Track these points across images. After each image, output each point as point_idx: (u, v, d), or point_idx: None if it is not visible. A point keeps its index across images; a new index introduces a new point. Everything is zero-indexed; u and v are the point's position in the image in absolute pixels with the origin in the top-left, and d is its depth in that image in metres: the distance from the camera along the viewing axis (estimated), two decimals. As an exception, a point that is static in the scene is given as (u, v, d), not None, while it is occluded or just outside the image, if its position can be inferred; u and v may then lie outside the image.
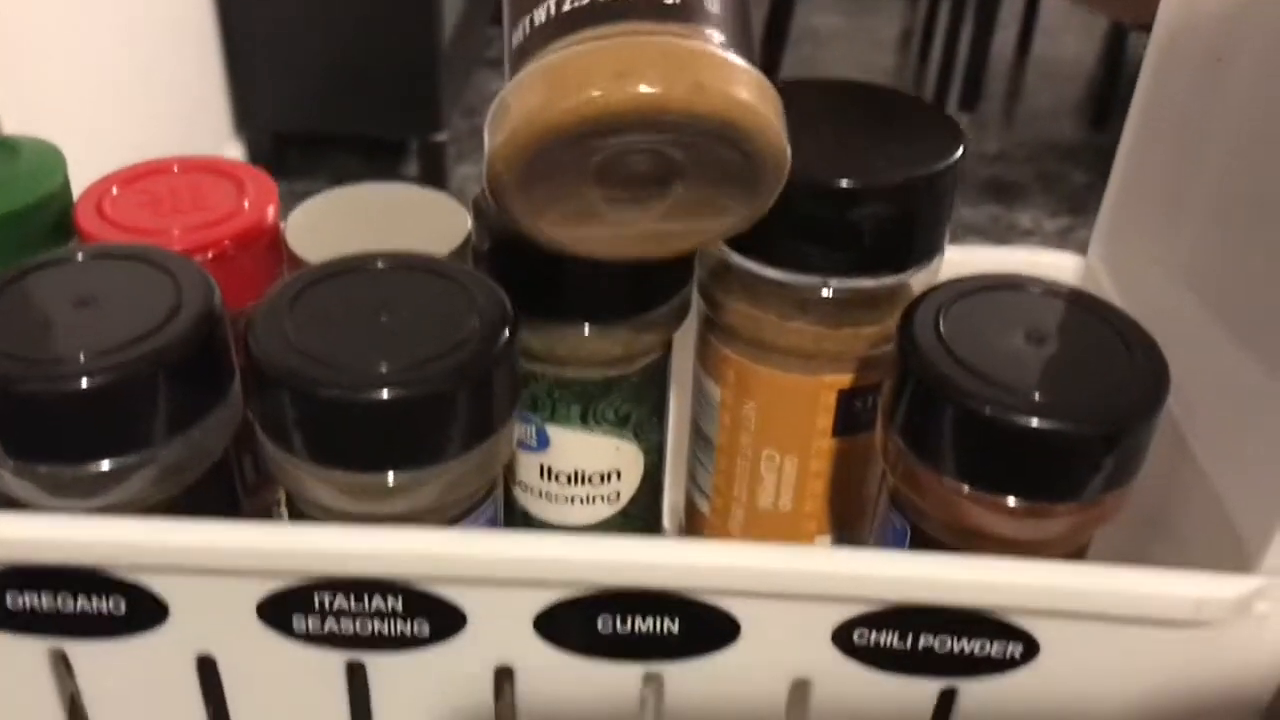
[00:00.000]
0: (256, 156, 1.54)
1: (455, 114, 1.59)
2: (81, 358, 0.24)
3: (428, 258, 0.28)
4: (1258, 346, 0.26)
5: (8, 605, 0.25)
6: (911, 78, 2.00)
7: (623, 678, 0.26)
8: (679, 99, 0.23)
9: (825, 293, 0.29)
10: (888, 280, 0.29)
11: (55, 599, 0.25)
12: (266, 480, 0.32)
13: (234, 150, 1.53)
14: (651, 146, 0.24)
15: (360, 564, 0.24)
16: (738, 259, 0.29)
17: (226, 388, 0.26)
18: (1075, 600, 0.24)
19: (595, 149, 0.24)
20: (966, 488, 0.25)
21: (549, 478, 0.32)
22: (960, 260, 0.31)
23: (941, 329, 0.26)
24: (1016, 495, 0.25)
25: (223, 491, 0.28)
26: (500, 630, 0.25)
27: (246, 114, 1.55)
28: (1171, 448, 0.28)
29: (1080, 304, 0.27)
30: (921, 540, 0.27)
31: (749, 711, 0.26)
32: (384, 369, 0.24)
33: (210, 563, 0.24)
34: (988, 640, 0.25)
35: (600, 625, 0.25)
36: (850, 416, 0.30)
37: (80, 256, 0.27)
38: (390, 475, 0.25)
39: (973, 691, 0.25)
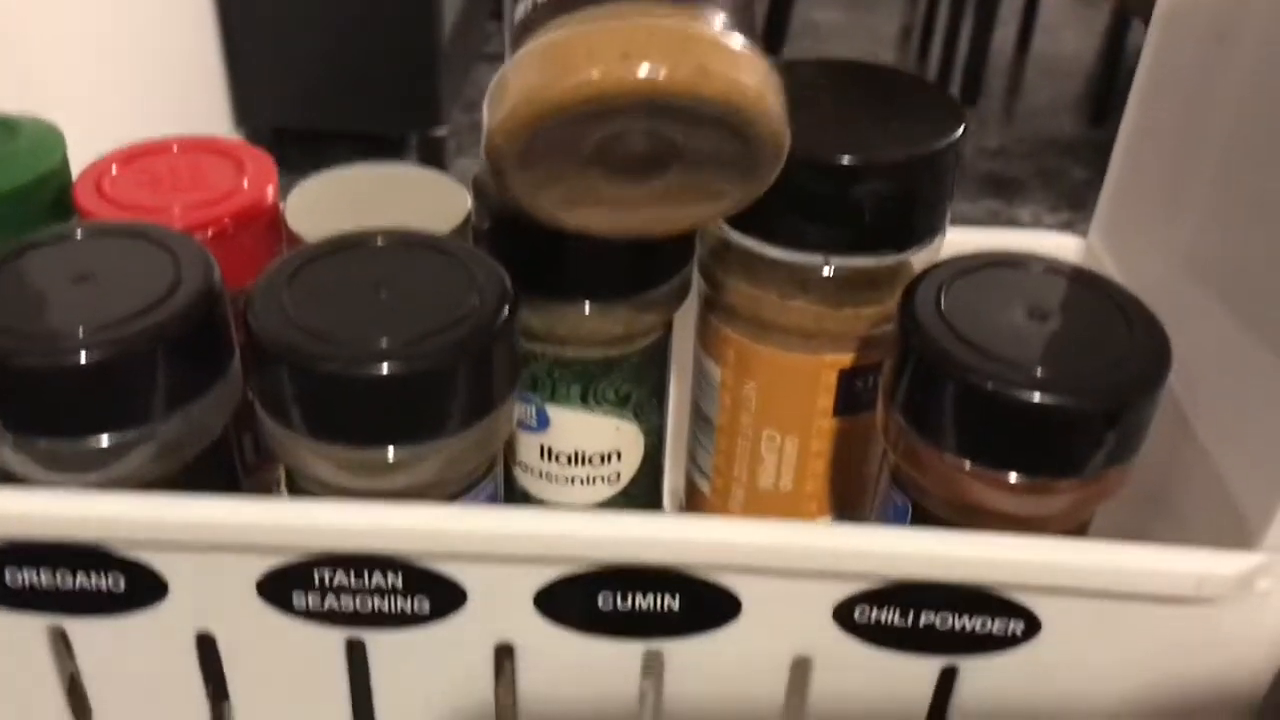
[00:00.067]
0: (256, 152, 1.54)
1: (455, 109, 1.59)
2: (81, 332, 0.24)
3: (427, 235, 0.28)
4: (1259, 325, 0.26)
5: (7, 582, 0.25)
6: (911, 73, 2.00)
7: (623, 655, 0.26)
8: (682, 82, 0.23)
9: (826, 271, 0.28)
10: (889, 259, 0.29)
11: (54, 576, 0.25)
12: (267, 460, 0.32)
13: (233, 145, 1.52)
14: (651, 128, 0.24)
15: (360, 539, 0.24)
16: (738, 238, 0.29)
17: (226, 365, 0.26)
18: (1076, 577, 0.24)
19: (595, 129, 0.23)
20: (968, 464, 0.25)
21: (549, 458, 0.31)
22: (961, 242, 0.31)
23: (943, 305, 0.26)
24: (1018, 471, 0.25)
25: (222, 470, 0.28)
26: (500, 607, 0.25)
27: (246, 109, 1.54)
28: (1173, 425, 0.28)
29: (1081, 280, 0.27)
30: (922, 518, 0.27)
31: (750, 689, 0.26)
32: (383, 344, 0.24)
33: (210, 539, 0.24)
34: (989, 618, 0.25)
35: (601, 602, 0.25)
36: (851, 396, 0.30)
37: (79, 233, 0.27)
38: (390, 450, 0.25)
39: (974, 669, 0.25)
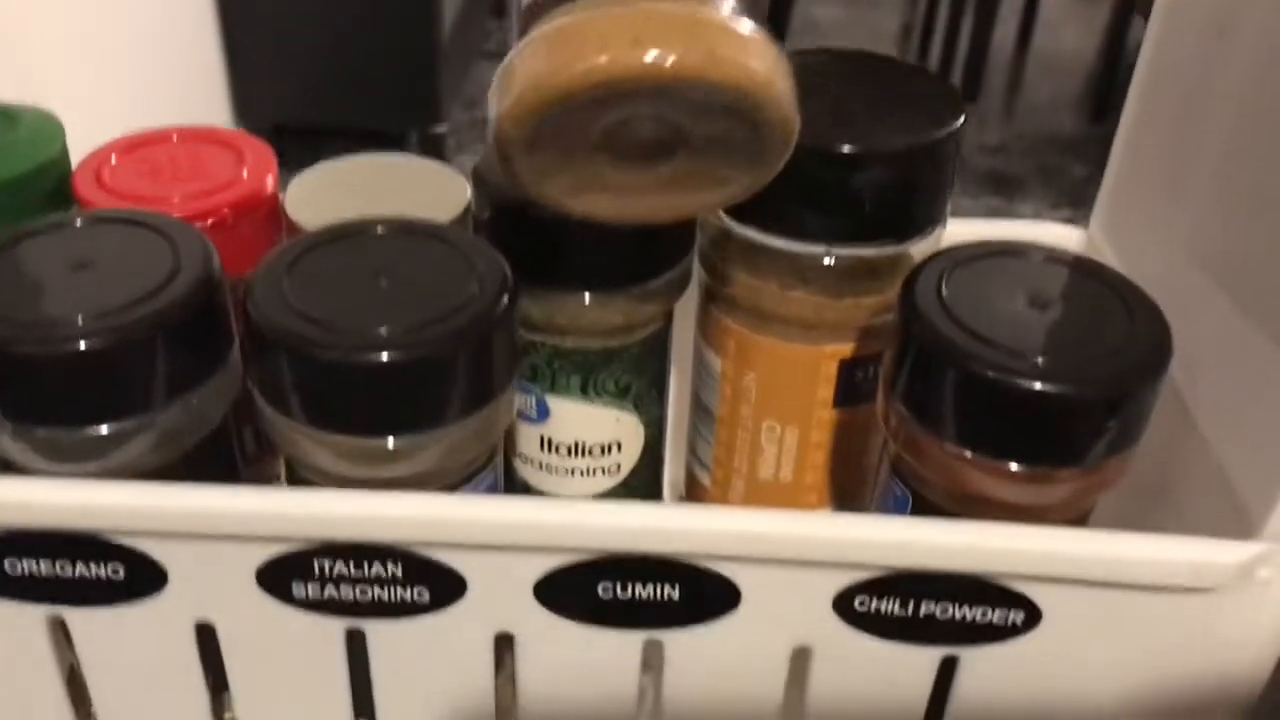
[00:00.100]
0: (256, 148, 1.54)
1: (455, 106, 1.59)
2: (80, 320, 0.24)
3: (427, 223, 0.28)
4: (1260, 315, 0.26)
5: (6, 571, 0.25)
6: (912, 71, 1.99)
7: (623, 645, 0.26)
8: (692, 68, 0.22)
9: (827, 261, 0.28)
10: (889, 249, 0.29)
11: (54, 565, 0.25)
12: (267, 452, 0.32)
13: (234, 142, 1.52)
14: (660, 114, 0.24)
15: (360, 528, 0.24)
16: (738, 228, 0.29)
17: (225, 354, 0.26)
18: (1077, 566, 0.24)
19: (603, 115, 0.23)
20: (968, 453, 0.25)
21: (549, 449, 0.31)
22: (961, 233, 0.31)
23: (943, 294, 0.25)
24: (1018, 460, 0.25)
25: (221, 460, 0.28)
26: (500, 597, 0.25)
27: (247, 106, 1.54)
28: (1173, 416, 0.28)
29: (1082, 269, 0.27)
30: (923, 508, 0.27)
31: (750, 679, 0.26)
32: (383, 332, 0.24)
33: (209, 528, 0.24)
34: (989, 607, 0.25)
35: (601, 592, 0.25)
36: (851, 387, 0.30)
37: (78, 221, 0.27)
38: (390, 439, 0.25)
39: (974, 659, 0.25)
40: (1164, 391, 0.25)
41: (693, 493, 0.35)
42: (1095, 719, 0.26)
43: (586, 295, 0.29)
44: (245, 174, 0.30)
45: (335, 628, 0.26)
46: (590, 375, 0.30)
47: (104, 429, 0.24)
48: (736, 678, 0.26)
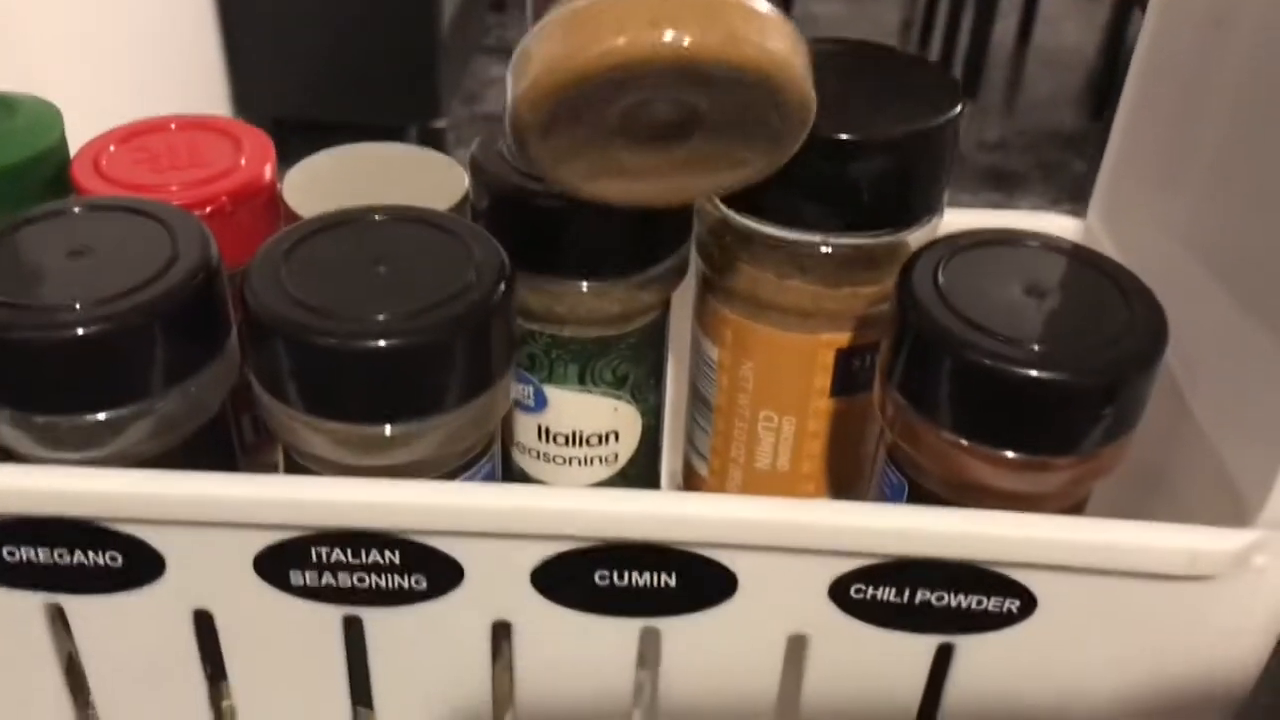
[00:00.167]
0: (256, 143, 1.54)
1: (454, 101, 1.59)
2: (78, 306, 0.24)
3: (425, 210, 0.28)
4: (1257, 304, 0.26)
5: (4, 558, 0.25)
6: (912, 66, 1.99)
7: (620, 632, 0.26)
8: (711, 48, 0.22)
9: (824, 250, 0.28)
10: (886, 238, 0.29)
11: (51, 552, 0.25)
12: (265, 441, 0.32)
13: (233, 137, 1.52)
14: (677, 95, 0.23)
15: (357, 515, 0.24)
16: (736, 217, 0.29)
17: (223, 341, 0.26)
18: (1073, 554, 0.24)
19: (620, 97, 0.23)
20: (965, 441, 0.25)
21: (547, 439, 0.31)
22: (958, 223, 0.31)
23: (940, 282, 0.25)
24: (1015, 448, 0.25)
25: (219, 448, 0.28)
26: (498, 585, 0.25)
27: (246, 100, 1.55)
28: (1170, 404, 0.28)
29: (1078, 257, 0.27)
30: (919, 497, 0.27)
31: (746, 667, 0.26)
32: (381, 319, 0.24)
33: (207, 515, 0.24)
34: (985, 595, 0.25)
35: (598, 579, 0.25)
36: (848, 376, 0.30)
37: (76, 208, 0.27)
38: (387, 427, 0.25)
39: (970, 647, 0.25)
40: (1160, 379, 0.25)
41: (690, 482, 0.35)
42: (1091, 706, 0.26)
43: (584, 284, 0.29)
44: (243, 162, 0.30)
45: (333, 615, 0.26)
46: (588, 365, 0.30)
47: (102, 416, 0.24)
48: (733, 665, 0.26)
